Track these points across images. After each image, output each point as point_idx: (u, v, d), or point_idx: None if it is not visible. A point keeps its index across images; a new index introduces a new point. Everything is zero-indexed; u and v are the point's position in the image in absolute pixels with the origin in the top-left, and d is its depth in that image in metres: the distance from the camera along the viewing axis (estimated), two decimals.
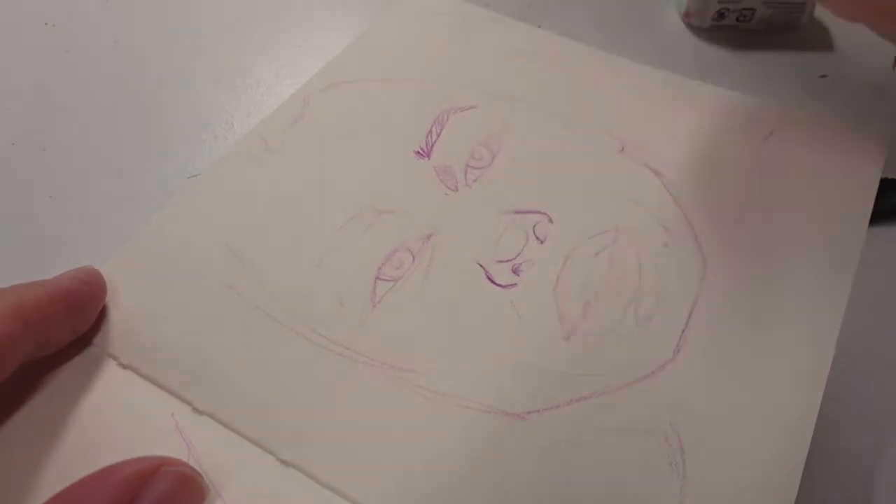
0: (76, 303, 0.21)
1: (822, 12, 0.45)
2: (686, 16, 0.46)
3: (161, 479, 0.17)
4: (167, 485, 0.17)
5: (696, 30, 0.46)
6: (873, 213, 0.24)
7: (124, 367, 0.21)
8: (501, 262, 0.24)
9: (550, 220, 0.25)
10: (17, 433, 0.20)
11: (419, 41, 0.31)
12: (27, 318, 0.19)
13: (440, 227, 0.25)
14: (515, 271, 0.24)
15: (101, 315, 0.22)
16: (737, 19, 0.45)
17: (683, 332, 0.22)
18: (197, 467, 0.19)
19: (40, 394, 0.21)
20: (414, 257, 0.24)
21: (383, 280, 0.23)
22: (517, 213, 0.25)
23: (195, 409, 0.20)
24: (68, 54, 0.33)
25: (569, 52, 0.30)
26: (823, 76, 0.41)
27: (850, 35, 0.43)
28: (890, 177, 0.28)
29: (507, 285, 0.23)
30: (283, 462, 0.20)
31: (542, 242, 0.24)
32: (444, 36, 0.31)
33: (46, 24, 0.34)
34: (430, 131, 0.27)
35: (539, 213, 0.25)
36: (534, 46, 0.31)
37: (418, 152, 0.27)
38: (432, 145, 0.27)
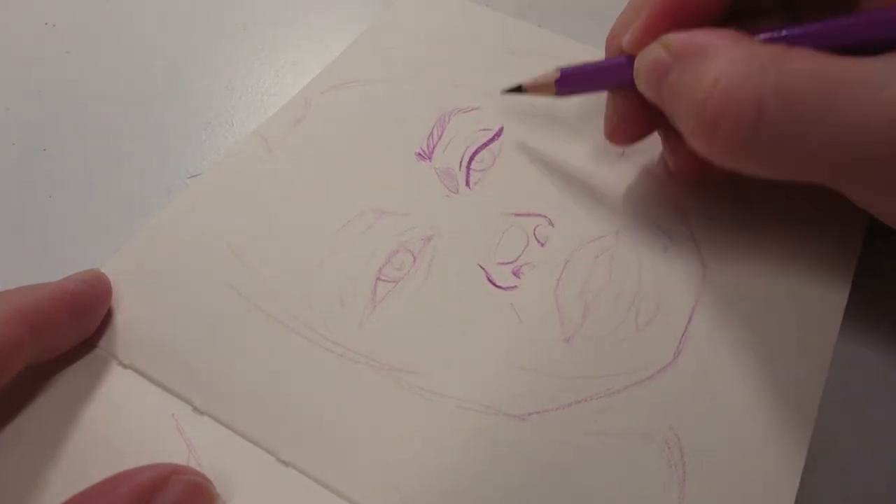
0: (81, 307, 0.21)
1: None
2: None
3: (172, 488, 0.17)
4: (178, 493, 0.17)
5: None
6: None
7: (125, 366, 0.21)
8: (502, 264, 0.24)
9: (551, 223, 0.25)
10: (21, 435, 0.20)
11: (419, 41, 0.31)
12: (32, 322, 0.19)
13: (441, 229, 0.25)
14: (516, 273, 0.24)
15: (105, 316, 0.22)
16: None
17: (683, 336, 0.22)
18: (197, 467, 0.19)
19: (43, 396, 0.21)
20: (415, 258, 0.24)
21: (384, 281, 0.23)
22: (518, 215, 0.25)
23: (196, 409, 0.21)
24: (68, 54, 0.32)
25: (569, 52, 0.30)
26: None
27: None
28: None
29: (508, 287, 0.23)
30: (283, 462, 0.20)
31: (542, 245, 0.24)
32: (444, 36, 0.31)
33: (46, 24, 0.34)
34: (431, 133, 0.27)
35: (540, 215, 0.25)
36: (534, 46, 0.31)
37: (419, 154, 0.27)
38: (433, 147, 0.27)
